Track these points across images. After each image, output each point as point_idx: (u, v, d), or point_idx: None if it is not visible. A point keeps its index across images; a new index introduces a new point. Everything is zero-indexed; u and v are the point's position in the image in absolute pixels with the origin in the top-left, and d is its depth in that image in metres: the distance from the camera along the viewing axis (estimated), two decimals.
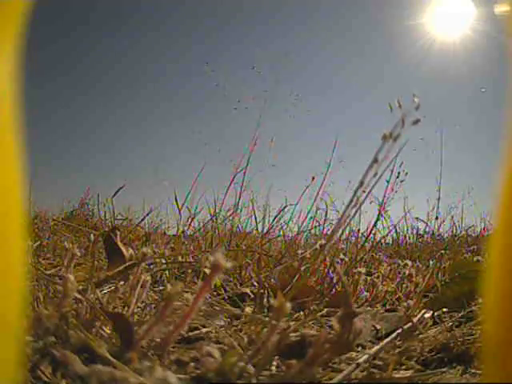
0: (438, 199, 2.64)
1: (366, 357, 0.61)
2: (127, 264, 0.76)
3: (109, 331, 0.57)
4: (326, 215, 1.99)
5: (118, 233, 0.87)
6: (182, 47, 5.87)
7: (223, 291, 1.02)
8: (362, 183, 0.62)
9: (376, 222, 1.47)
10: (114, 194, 1.66)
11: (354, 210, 0.65)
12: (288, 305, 0.49)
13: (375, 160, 0.59)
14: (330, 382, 0.54)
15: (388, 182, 1.28)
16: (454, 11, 3.14)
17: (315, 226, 2.03)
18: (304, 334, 0.57)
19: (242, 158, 2.15)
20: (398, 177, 1.27)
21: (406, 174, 1.27)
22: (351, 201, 0.64)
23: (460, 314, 0.91)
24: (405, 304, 0.77)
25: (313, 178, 2.03)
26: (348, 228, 2.44)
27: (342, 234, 2.28)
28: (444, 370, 0.64)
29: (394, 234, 2.67)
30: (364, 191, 0.63)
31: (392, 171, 1.31)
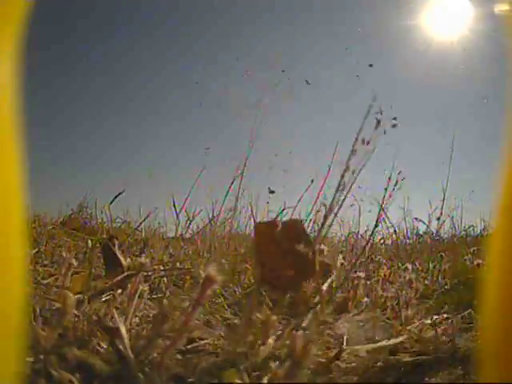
0: (443, 200, 2.62)
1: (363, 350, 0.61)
2: (125, 274, 0.75)
3: (106, 346, 0.56)
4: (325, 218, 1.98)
5: (117, 242, 0.87)
6: (183, 49, 5.87)
7: (223, 299, 1.02)
8: (347, 167, 0.63)
9: (375, 227, 1.47)
10: (112, 201, 1.65)
11: (342, 197, 0.67)
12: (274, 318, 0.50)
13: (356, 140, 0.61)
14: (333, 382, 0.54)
15: (386, 189, 1.29)
16: (451, 11, 3.14)
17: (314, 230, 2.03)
18: None
19: (241, 160, 2.14)
20: (395, 185, 1.27)
21: (403, 179, 1.27)
22: (339, 185, 0.65)
23: (459, 317, 0.91)
24: (403, 312, 0.77)
25: (311, 181, 2.03)
26: (348, 231, 2.45)
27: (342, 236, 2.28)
28: (443, 370, 0.64)
29: (394, 235, 2.67)
30: (348, 169, 0.64)
31: (390, 178, 1.32)
